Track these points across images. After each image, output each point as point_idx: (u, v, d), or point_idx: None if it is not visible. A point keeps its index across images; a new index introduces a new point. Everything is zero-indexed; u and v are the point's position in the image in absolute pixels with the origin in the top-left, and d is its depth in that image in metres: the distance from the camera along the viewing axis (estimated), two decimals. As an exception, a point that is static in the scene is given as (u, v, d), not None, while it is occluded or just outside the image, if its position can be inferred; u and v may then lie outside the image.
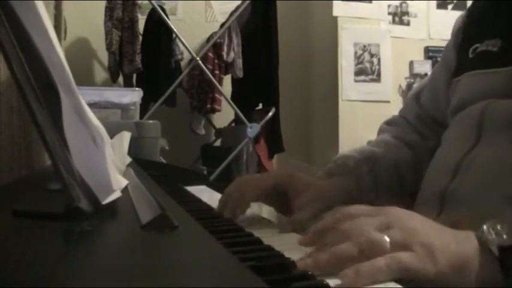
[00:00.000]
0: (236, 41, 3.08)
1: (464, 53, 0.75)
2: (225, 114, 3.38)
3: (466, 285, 0.42)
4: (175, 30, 2.90)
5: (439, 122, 0.83)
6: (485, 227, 0.44)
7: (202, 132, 3.38)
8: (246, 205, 0.69)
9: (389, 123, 0.93)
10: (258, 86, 3.13)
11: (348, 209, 0.48)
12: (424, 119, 0.87)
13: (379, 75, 3.37)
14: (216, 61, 3.07)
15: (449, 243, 0.43)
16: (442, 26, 3.29)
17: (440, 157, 0.73)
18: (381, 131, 0.93)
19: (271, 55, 3.09)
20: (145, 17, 3.17)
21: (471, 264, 0.43)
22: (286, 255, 0.43)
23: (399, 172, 0.81)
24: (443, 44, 0.91)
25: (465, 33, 0.79)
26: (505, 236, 0.43)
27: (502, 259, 0.43)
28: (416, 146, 0.84)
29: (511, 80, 0.64)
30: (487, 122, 0.65)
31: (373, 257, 0.41)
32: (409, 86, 3.42)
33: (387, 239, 0.42)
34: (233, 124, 3.50)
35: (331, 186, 0.74)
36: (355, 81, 3.33)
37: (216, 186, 1.05)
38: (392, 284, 0.38)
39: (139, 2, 3.08)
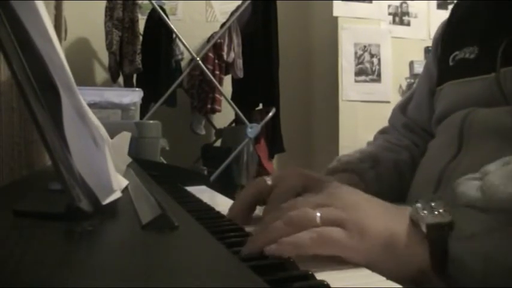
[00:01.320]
0: (236, 41, 3.08)
1: (445, 61, 0.75)
2: (225, 115, 3.38)
3: (394, 261, 0.42)
4: (175, 30, 2.91)
5: (427, 131, 0.83)
6: (419, 204, 0.44)
7: (203, 132, 3.39)
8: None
9: (383, 132, 0.95)
10: (258, 86, 3.14)
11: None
12: (412, 127, 0.87)
13: (379, 75, 3.37)
14: (216, 61, 3.07)
15: (382, 221, 0.43)
16: (442, 26, 3.29)
17: (423, 168, 0.74)
18: (375, 139, 0.94)
19: (271, 55, 3.09)
20: (145, 17, 3.17)
21: (400, 242, 0.43)
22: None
23: (399, 170, 0.81)
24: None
25: (446, 41, 0.79)
26: (436, 213, 0.43)
27: (431, 237, 0.42)
28: (411, 149, 0.85)
29: (486, 88, 0.64)
30: (467, 131, 0.65)
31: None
32: (409, 86, 3.42)
33: (318, 214, 0.42)
34: (233, 124, 3.50)
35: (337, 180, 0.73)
36: (356, 81, 3.33)
37: (216, 186, 1.05)
38: (391, 284, 0.38)
39: (140, 2, 3.08)
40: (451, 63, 0.73)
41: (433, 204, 0.44)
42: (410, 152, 0.84)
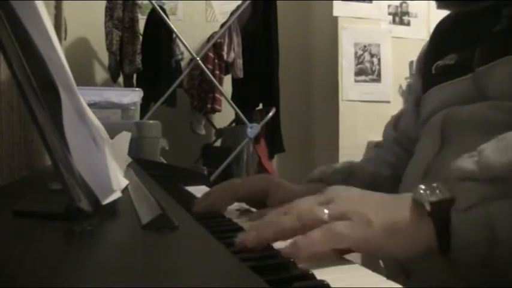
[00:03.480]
0: (236, 41, 3.08)
1: (428, 72, 0.82)
2: (225, 114, 3.38)
3: (402, 243, 0.45)
4: (175, 30, 2.90)
5: (412, 139, 0.88)
6: (421, 186, 0.46)
7: (203, 132, 3.38)
8: (222, 205, 0.72)
9: (378, 146, 1.03)
10: (258, 86, 3.14)
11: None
12: (399, 140, 0.94)
13: (379, 75, 3.37)
14: (216, 61, 3.07)
15: (384, 209, 0.46)
16: (442, 26, 3.29)
17: (410, 167, 0.78)
18: (371, 152, 1.01)
19: (271, 55, 3.09)
20: (145, 17, 3.17)
21: (405, 224, 0.45)
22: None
23: (374, 184, 0.85)
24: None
25: (429, 54, 0.85)
26: (437, 191, 0.45)
27: (435, 215, 0.44)
28: (394, 166, 0.90)
29: (464, 88, 0.70)
30: (448, 128, 0.70)
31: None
32: (409, 86, 3.42)
33: (326, 210, 0.45)
34: (233, 124, 3.50)
35: (305, 189, 0.78)
36: (356, 81, 3.33)
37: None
38: (392, 284, 0.38)
39: (140, 2, 3.08)
40: (433, 72, 0.80)
41: (434, 184, 0.46)
42: (393, 170, 0.88)
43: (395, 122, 0.99)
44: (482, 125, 0.64)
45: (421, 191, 0.46)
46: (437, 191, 0.45)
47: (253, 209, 0.74)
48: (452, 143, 0.69)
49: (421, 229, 0.44)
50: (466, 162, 0.46)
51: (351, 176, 0.83)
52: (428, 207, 0.44)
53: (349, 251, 0.45)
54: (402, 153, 0.91)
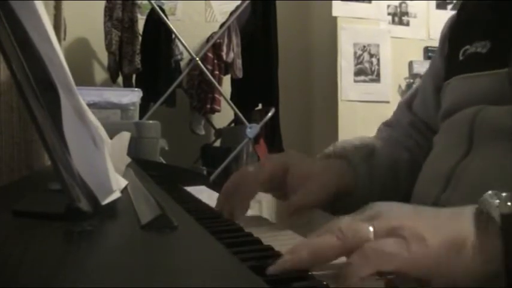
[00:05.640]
0: (236, 41, 3.08)
1: (454, 56, 0.73)
2: (224, 115, 3.38)
3: (464, 263, 0.38)
4: (174, 30, 2.91)
5: (430, 127, 0.82)
6: (488, 194, 0.40)
7: (202, 132, 3.39)
8: (246, 206, 0.68)
9: (388, 124, 0.92)
10: (258, 86, 3.14)
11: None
12: (417, 125, 0.86)
13: (378, 75, 3.37)
14: (215, 61, 3.07)
15: (439, 222, 0.40)
16: (441, 26, 3.29)
17: (430, 166, 0.72)
18: (379, 131, 0.93)
19: (270, 55, 3.09)
20: (144, 17, 3.17)
21: (466, 239, 0.38)
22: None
23: (394, 169, 0.80)
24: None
25: (455, 36, 0.77)
26: (510, 203, 0.39)
27: (506, 229, 0.38)
28: (413, 151, 0.83)
29: (497, 84, 0.62)
30: (478, 130, 0.63)
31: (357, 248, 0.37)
32: (409, 86, 3.42)
33: (371, 228, 0.38)
34: (233, 124, 3.50)
35: (326, 173, 0.72)
36: (355, 81, 3.33)
37: (215, 186, 1.05)
38: (379, 284, 0.38)
39: (139, 2, 3.08)
40: (461, 58, 0.71)
41: (504, 194, 0.40)
42: (412, 154, 0.82)
43: (410, 102, 0.88)
44: None
45: (490, 200, 0.39)
46: (510, 203, 0.39)
47: (265, 215, 0.73)
48: (481, 148, 0.62)
49: (489, 246, 0.38)
50: None
51: (373, 154, 0.77)
52: (498, 220, 0.38)
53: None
54: (420, 139, 0.84)
